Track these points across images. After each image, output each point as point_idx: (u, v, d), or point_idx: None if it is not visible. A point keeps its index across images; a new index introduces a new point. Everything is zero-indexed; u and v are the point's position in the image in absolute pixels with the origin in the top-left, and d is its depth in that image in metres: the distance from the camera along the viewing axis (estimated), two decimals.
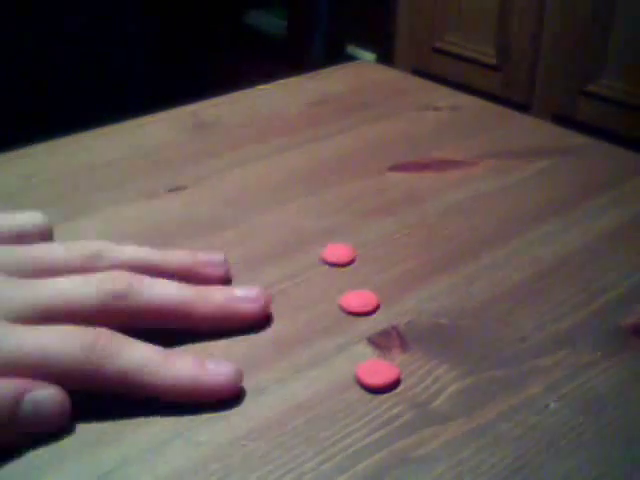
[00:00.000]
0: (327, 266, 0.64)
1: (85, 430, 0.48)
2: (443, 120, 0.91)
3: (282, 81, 1.00)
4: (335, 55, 2.52)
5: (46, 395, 0.47)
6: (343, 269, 0.64)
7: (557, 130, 0.90)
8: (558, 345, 0.56)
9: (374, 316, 0.59)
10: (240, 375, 0.51)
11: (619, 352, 0.55)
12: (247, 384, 0.52)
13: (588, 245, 0.68)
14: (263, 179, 0.77)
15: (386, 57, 2.46)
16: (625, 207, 0.73)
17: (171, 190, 0.75)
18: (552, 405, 0.51)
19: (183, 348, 0.55)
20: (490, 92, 2.01)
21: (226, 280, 0.61)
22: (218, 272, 0.60)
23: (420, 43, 2.35)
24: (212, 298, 0.55)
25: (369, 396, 0.51)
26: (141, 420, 0.49)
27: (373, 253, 0.66)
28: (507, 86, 2.16)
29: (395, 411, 0.50)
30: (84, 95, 2.01)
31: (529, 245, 0.67)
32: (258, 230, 0.69)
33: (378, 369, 0.53)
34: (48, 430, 0.47)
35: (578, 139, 0.87)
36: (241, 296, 0.56)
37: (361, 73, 1.04)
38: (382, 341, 0.56)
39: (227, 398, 0.50)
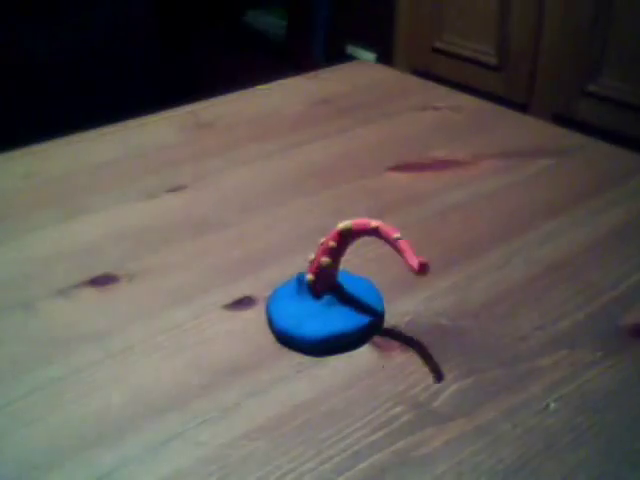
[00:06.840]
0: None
1: (85, 430, 0.48)
2: (443, 120, 0.91)
3: (282, 81, 1.00)
4: (335, 55, 2.52)
5: None
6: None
7: (557, 130, 0.90)
8: (558, 345, 0.56)
9: None
10: None
11: (619, 352, 0.55)
12: (247, 384, 0.52)
13: (588, 245, 0.68)
14: (263, 179, 0.77)
15: (386, 57, 2.46)
16: (625, 207, 0.73)
17: (171, 190, 0.75)
18: (552, 405, 0.51)
19: (184, 347, 0.55)
20: (490, 92, 2.01)
21: None
22: None
23: (420, 43, 2.35)
24: None
25: (368, 396, 0.51)
26: (141, 420, 0.49)
27: (373, 253, 0.66)
28: (507, 86, 2.16)
29: (395, 411, 0.50)
30: (84, 95, 2.01)
31: (529, 245, 0.67)
32: (258, 230, 0.69)
33: None
34: None
35: (578, 139, 0.87)
36: None
37: (361, 73, 1.04)
38: (382, 341, 0.56)
39: None
